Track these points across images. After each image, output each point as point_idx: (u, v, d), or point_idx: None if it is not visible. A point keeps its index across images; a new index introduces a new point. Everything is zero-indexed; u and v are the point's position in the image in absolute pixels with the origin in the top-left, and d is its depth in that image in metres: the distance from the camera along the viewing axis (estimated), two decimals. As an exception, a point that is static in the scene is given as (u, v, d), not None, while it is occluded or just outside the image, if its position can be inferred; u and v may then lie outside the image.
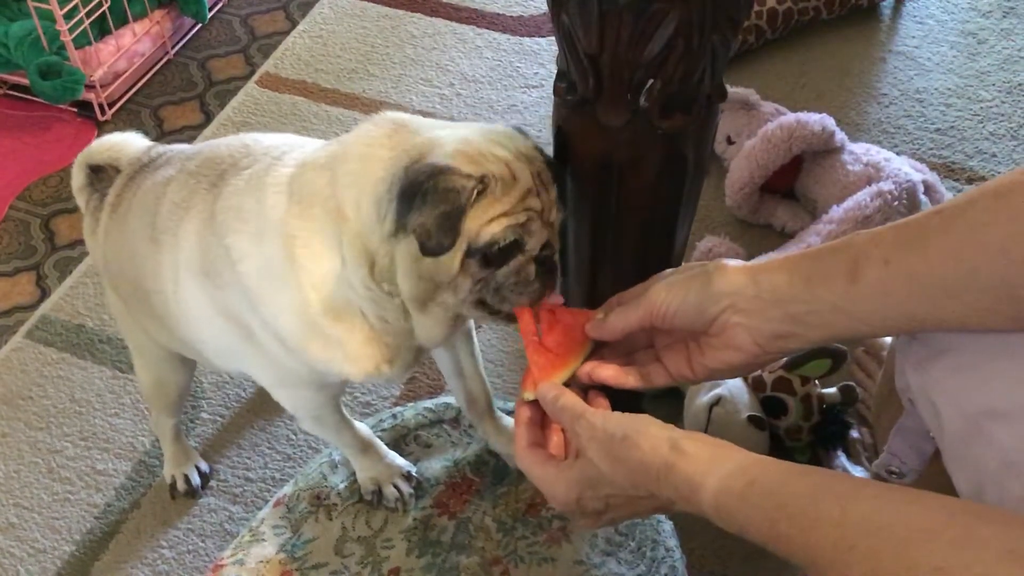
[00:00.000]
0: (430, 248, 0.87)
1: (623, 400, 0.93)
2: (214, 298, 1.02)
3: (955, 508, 0.65)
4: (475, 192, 0.86)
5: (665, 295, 0.87)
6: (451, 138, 0.91)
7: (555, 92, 1.09)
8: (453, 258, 0.89)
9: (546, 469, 0.89)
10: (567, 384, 0.92)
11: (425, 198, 0.85)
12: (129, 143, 1.24)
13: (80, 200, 1.26)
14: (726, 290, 0.84)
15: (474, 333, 1.18)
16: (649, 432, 0.81)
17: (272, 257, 0.95)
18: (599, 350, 0.95)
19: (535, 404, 0.93)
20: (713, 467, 0.76)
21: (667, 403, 1.47)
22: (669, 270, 0.93)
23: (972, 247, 0.71)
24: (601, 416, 0.85)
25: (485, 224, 0.88)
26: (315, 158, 0.96)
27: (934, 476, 0.88)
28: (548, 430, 0.93)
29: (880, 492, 0.68)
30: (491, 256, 0.89)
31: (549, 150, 1.02)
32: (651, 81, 0.99)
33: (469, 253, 0.89)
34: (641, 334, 0.93)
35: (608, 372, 0.92)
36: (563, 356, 0.94)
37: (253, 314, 0.99)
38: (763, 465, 0.75)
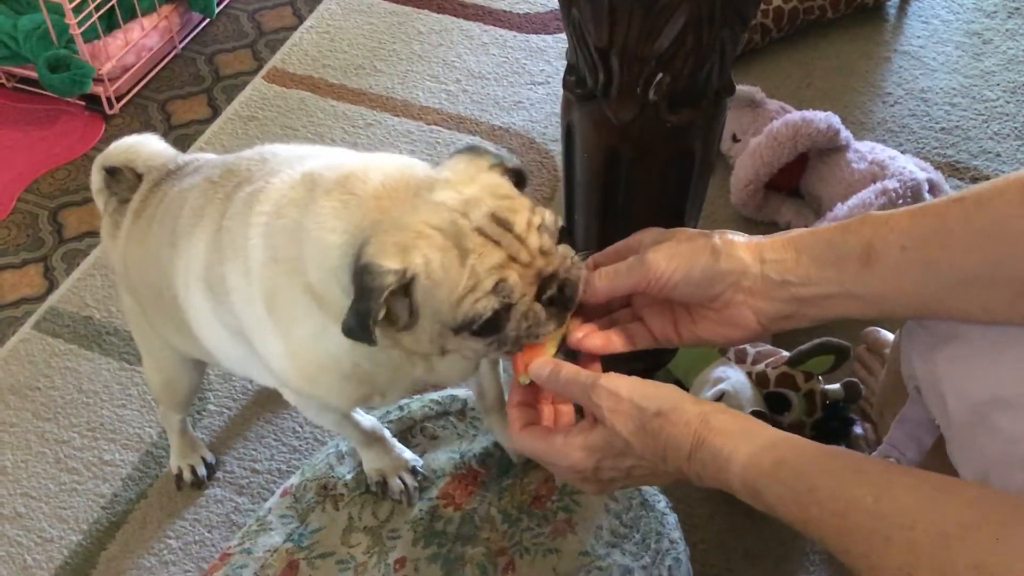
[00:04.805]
0: (362, 341, 0.84)
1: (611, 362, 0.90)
2: (216, 310, 1.03)
3: (992, 501, 0.65)
4: (388, 291, 0.80)
5: (667, 264, 0.84)
6: (388, 219, 0.84)
7: (564, 86, 1.10)
8: (442, 337, 0.85)
9: (551, 441, 0.86)
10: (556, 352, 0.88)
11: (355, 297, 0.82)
12: (146, 145, 1.23)
13: (99, 202, 1.27)
14: (734, 267, 0.83)
15: None
16: (683, 407, 0.79)
17: (257, 305, 0.95)
18: (579, 310, 0.90)
19: (529, 386, 0.89)
20: (742, 442, 0.75)
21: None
22: (655, 229, 0.89)
23: (999, 238, 0.71)
24: (627, 386, 0.81)
25: (454, 306, 0.81)
26: (284, 210, 0.92)
27: (931, 466, 0.88)
28: (539, 406, 0.91)
29: (913, 481, 0.68)
30: (481, 329, 0.83)
31: (557, 146, 1.02)
32: (660, 75, 1.00)
33: (457, 331, 0.83)
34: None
35: (596, 341, 0.88)
36: None
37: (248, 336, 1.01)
38: (792, 444, 0.74)
